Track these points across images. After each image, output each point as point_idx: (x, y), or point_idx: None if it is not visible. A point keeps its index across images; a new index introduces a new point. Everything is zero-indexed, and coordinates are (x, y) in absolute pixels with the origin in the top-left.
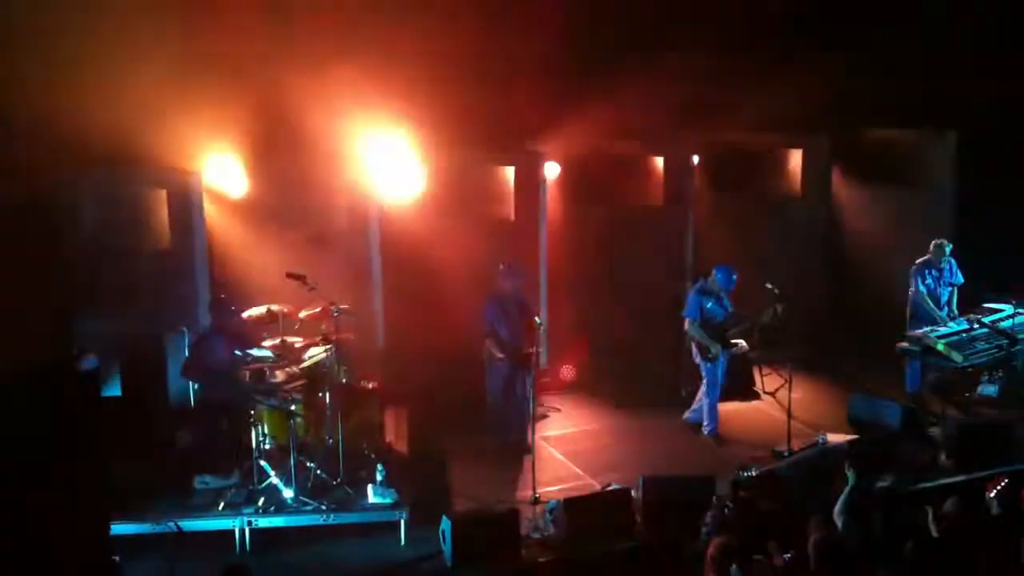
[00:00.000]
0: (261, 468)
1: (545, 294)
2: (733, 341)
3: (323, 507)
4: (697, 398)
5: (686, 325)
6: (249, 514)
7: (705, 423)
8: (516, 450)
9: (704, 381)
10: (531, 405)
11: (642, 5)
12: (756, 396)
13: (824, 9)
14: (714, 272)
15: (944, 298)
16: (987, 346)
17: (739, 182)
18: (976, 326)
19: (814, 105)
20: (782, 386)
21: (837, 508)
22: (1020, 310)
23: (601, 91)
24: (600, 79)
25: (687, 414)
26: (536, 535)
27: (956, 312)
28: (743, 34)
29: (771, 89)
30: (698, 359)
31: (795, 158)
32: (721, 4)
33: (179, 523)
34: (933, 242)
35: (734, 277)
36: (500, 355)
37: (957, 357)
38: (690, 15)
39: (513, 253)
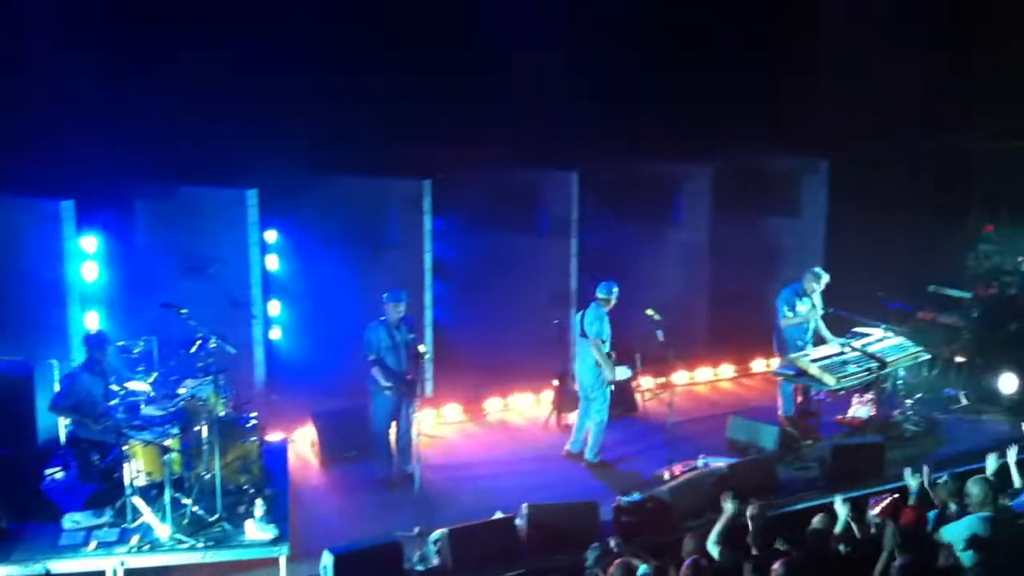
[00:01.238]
0: (135, 505)
1: (431, 322)
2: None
3: (200, 544)
4: (574, 427)
5: (593, 347)
6: (122, 553)
7: (590, 449)
8: (400, 480)
9: (585, 408)
10: (414, 434)
11: None
12: (635, 408)
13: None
14: (598, 290)
15: (814, 324)
16: (858, 369)
17: (626, 207)
18: (847, 350)
19: (697, 132)
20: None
21: (712, 537)
22: (889, 334)
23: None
24: (488, 103)
25: (568, 446)
26: (421, 567)
27: (828, 336)
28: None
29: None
30: (587, 384)
31: (678, 184)
32: None
33: (48, 565)
34: (809, 270)
35: (615, 289)
36: (386, 384)
37: (829, 380)
38: None
39: (398, 279)
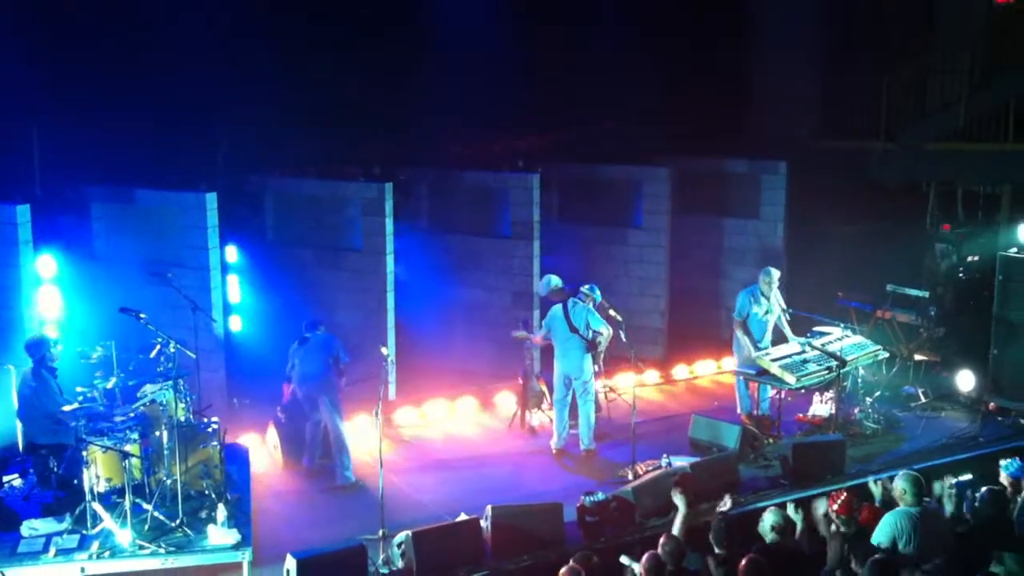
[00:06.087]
0: (95, 512)
1: (394, 325)
2: None
3: (161, 550)
4: (553, 425)
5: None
6: (83, 560)
7: (587, 436)
8: (363, 483)
9: (563, 401)
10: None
11: None
12: (599, 409)
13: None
14: (589, 289)
15: (771, 324)
16: (818, 368)
17: (586, 211)
18: (807, 349)
19: (656, 135)
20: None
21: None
22: (848, 333)
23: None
24: (447, 104)
25: (558, 442)
26: (385, 570)
27: (790, 335)
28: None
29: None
30: (579, 375)
31: (638, 187)
32: None
33: (6, 572)
34: (762, 269)
35: (597, 290)
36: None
37: (790, 378)
38: None
39: (360, 282)
